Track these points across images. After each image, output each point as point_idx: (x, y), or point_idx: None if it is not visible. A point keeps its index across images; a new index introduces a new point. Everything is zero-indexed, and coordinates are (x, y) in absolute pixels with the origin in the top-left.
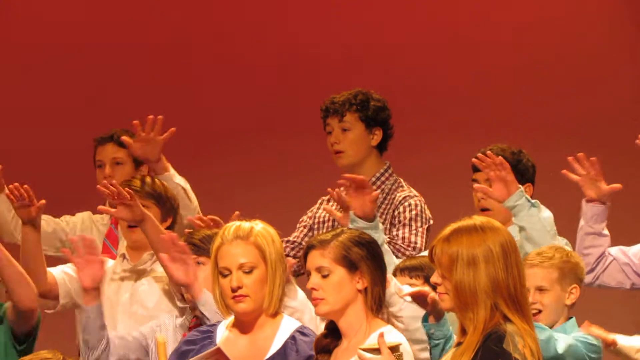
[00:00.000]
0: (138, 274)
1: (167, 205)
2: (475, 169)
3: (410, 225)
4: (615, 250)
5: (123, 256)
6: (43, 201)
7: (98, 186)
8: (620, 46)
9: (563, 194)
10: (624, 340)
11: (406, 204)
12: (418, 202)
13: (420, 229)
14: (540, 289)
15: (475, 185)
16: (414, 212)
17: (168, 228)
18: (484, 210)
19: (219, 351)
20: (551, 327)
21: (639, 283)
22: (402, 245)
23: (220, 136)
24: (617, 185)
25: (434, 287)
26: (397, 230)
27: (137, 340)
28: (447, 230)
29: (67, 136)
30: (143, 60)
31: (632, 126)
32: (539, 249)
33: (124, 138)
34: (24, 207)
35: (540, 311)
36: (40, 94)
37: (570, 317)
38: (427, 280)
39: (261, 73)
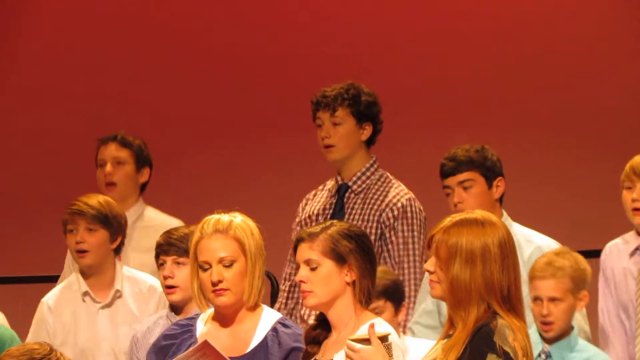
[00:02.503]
0: (112, 318)
1: (114, 225)
2: (445, 175)
3: (407, 244)
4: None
5: (86, 294)
6: None
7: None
8: (607, 39)
9: (538, 188)
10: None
11: (399, 205)
12: (410, 203)
13: (421, 244)
14: (552, 300)
15: None
16: (413, 227)
17: (118, 246)
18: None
19: (205, 345)
20: (561, 337)
21: None
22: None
23: (205, 133)
24: None
25: (395, 304)
26: (398, 251)
27: None
28: (448, 221)
29: (64, 135)
30: (135, 57)
31: (615, 120)
32: (546, 258)
33: None
34: None
35: (552, 322)
36: (35, 94)
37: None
38: (388, 299)
39: (249, 68)
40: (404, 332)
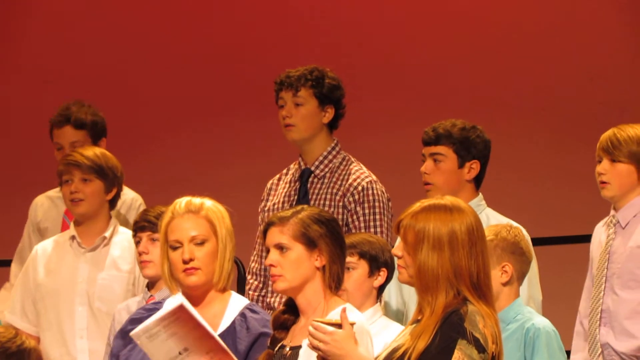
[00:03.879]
0: (93, 262)
1: (109, 176)
2: (423, 143)
3: (369, 228)
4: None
5: (73, 238)
6: None
7: None
8: (577, 22)
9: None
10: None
11: (360, 189)
12: (371, 186)
13: (385, 226)
14: None
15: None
16: (375, 209)
17: (113, 198)
18: (427, 184)
19: (181, 308)
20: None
21: None
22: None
23: (174, 118)
24: None
25: (369, 262)
26: (358, 230)
27: None
28: (417, 206)
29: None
30: (107, 42)
31: (586, 104)
32: None
33: None
34: None
35: None
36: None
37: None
38: (361, 256)
39: (221, 53)
40: (380, 301)
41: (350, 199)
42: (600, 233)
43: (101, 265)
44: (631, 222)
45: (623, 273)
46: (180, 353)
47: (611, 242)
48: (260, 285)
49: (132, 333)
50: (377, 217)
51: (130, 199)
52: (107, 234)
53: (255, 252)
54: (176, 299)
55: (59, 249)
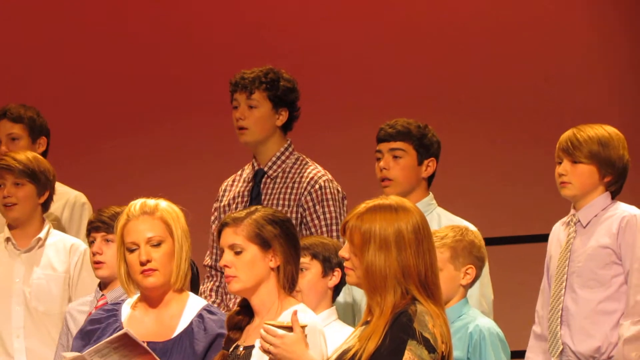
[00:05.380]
0: (29, 263)
1: (41, 180)
2: (380, 140)
3: (330, 226)
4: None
5: (8, 240)
6: None
7: None
8: (533, 21)
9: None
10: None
11: (317, 187)
12: (327, 184)
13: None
14: None
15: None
16: (332, 208)
17: (45, 201)
18: (384, 180)
19: (125, 336)
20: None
21: None
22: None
23: (127, 117)
24: None
25: (322, 263)
26: (321, 233)
27: None
28: (362, 207)
29: None
30: (50, 41)
31: (540, 104)
32: (436, 229)
33: None
34: None
35: None
36: None
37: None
38: (314, 257)
39: (168, 52)
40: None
41: (308, 198)
42: (559, 232)
43: (37, 266)
44: (592, 221)
45: (583, 272)
46: None
47: (572, 241)
48: (217, 281)
49: (83, 353)
50: (335, 215)
51: (73, 196)
52: (42, 235)
53: (209, 250)
54: (123, 324)
55: None
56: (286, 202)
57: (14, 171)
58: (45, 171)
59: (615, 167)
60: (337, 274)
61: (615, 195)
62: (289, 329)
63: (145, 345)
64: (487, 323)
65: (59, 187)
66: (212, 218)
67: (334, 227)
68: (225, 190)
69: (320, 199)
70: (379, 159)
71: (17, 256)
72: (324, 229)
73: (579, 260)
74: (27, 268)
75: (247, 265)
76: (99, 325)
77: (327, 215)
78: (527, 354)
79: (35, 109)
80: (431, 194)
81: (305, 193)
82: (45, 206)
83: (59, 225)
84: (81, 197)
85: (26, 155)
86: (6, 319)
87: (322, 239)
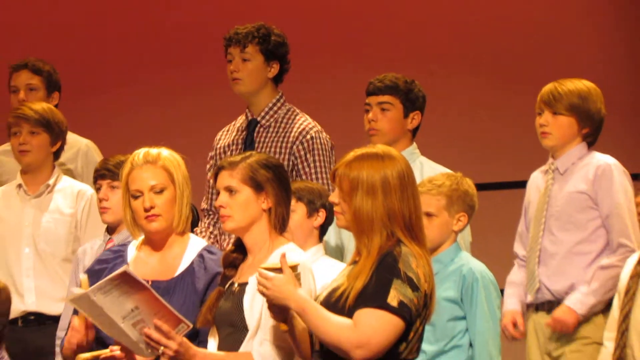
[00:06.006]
0: (38, 207)
1: (55, 130)
2: (369, 93)
3: (320, 174)
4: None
5: (19, 186)
6: None
7: None
8: None
9: (451, 124)
10: None
11: (308, 138)
12: (318, 135)
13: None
14: (428, 215)
15: None
16: (322, 157)
17: (57, 150)
18: (372, 129)
19: (124, 274)
20: (436, 250)
21: None
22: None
23: (122, 67)
24: None
25: (307, 205)
26: (309, 175)
27: None
28: (351, 155)
29: None
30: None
31: (531, 58)
32: (431, 177)
33: None
34: None
35: None
36: None
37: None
38: (299, 199)
39: (164, 8)
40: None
41: (300, 147)
42: (537, 179)
43: (45, 210)
44: (569, 169)
45: (561, 215)
46: (132, 310)
47: (550, 187)
48: (213, 222)
49: (87, 291)
50: (325, 164)
51: (84, 144)
52: (51, 182)
53: (205, 195)
54: (124, 262)
55: (6, 197)
56: (278, 150)
57: (30, 120)
58: (59, 122)
59: (593, 120)
60: (322, 214)
61: (590, 145)
62: (280, 270)
63: (144, 282)
64: (479, 266)
65: (69, 136)
66: (208, 166)
67: (323, 175)
68: (220, 139)
69: (310, 148)
70: (367, 111)
71: (28, 201)
72: (314, 176)
73: (557, 204)
74: (37, 212)
75: (241, 205)
76: (107, 265)
77: (317, 164)
78: (505, 300)
79: (52, 66)
80: (415, 144)
81: (297, 142)
82: (57, 155)
83: (73, 174)
84: (89, 143)
85: (42, 106)
86: (17, 261)
87: (308, 184)
